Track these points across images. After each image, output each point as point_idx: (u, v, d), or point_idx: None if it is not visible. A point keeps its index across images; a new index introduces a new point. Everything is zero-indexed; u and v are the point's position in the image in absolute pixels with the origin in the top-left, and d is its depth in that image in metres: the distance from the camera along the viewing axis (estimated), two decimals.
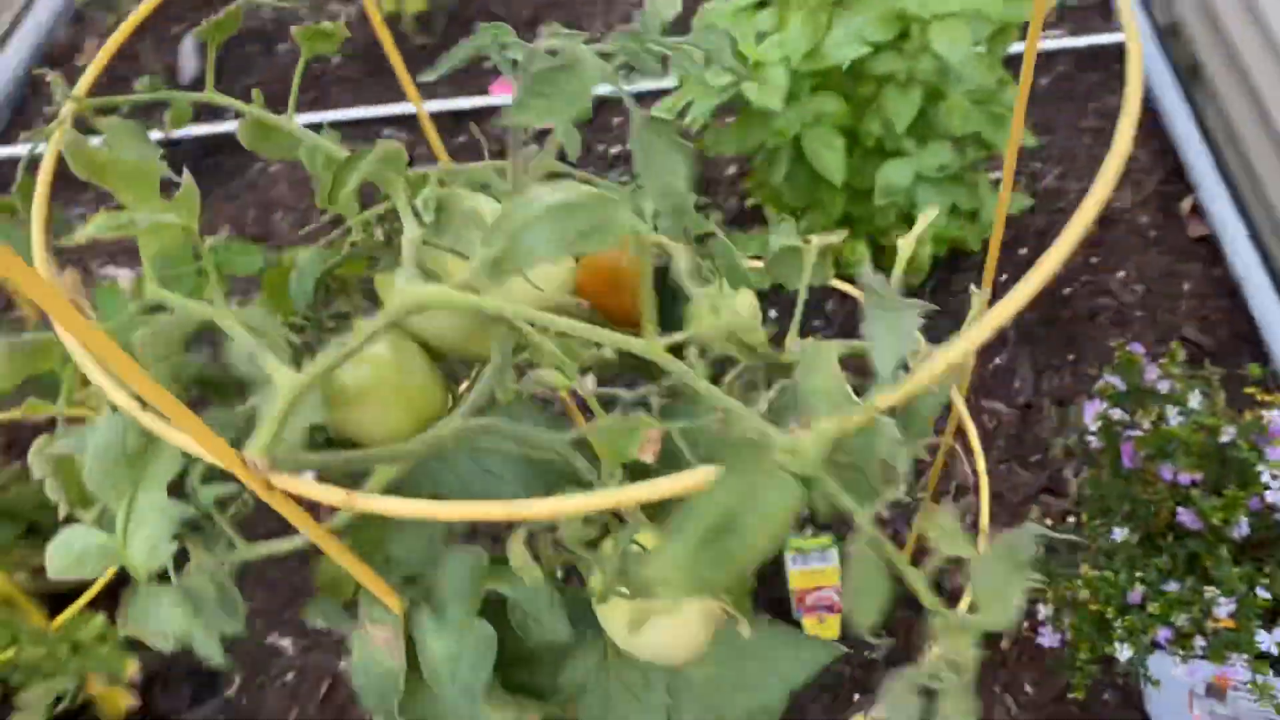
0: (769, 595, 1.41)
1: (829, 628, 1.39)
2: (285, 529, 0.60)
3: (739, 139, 1.47)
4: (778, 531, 0.43)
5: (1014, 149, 0.87)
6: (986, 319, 0.51)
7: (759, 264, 1.01)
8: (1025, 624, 1.33)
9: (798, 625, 1.39)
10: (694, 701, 0.80)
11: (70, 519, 0.73)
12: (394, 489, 0.73)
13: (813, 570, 1.40)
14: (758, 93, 1.32)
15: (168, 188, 0.66)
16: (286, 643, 1.51)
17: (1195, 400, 1.08)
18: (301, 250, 0.74)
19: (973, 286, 0.86)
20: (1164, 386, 1.11)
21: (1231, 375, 1.55)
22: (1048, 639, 1.09)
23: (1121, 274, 1.72)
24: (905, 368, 0.54)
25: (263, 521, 0.68)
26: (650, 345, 0.52)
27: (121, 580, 1.52)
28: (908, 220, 1.58)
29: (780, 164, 1.46)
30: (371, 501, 0.55)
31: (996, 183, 1.81)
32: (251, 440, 0.55)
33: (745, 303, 0.90)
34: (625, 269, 0.96)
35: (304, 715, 1.44)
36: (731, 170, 1.93)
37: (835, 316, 1.73)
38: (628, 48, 0.62)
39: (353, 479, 0.69)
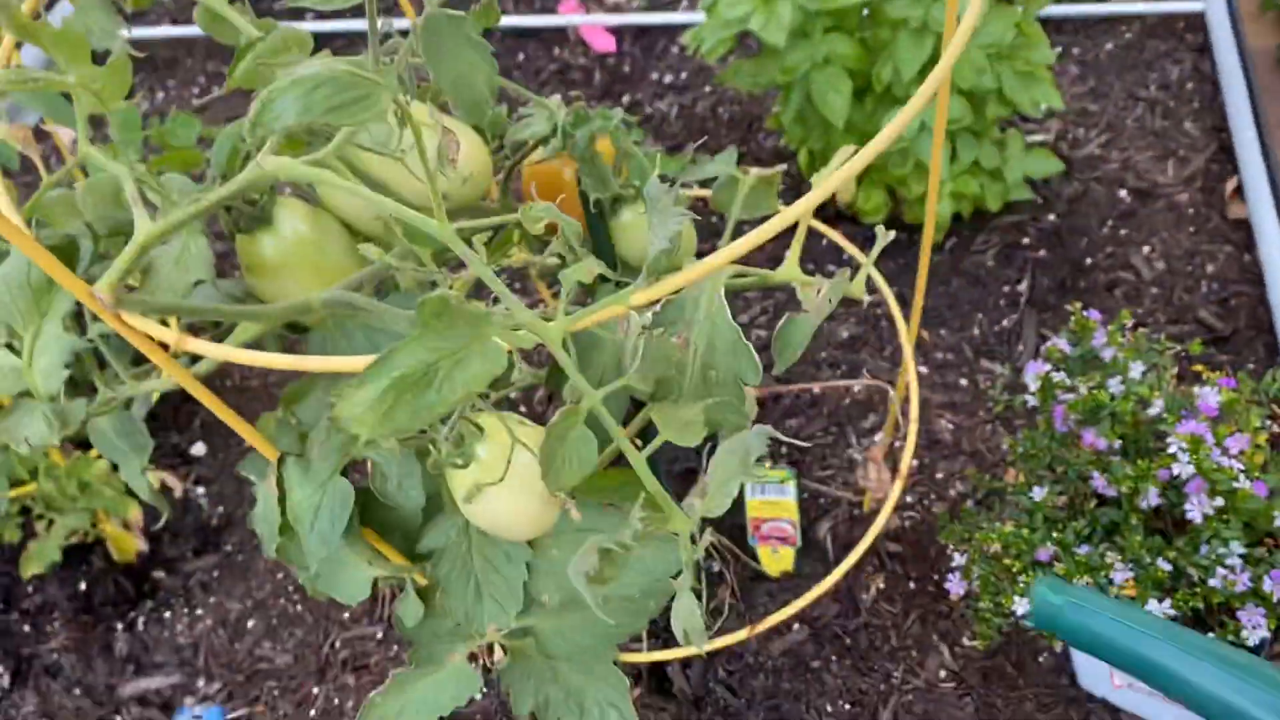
0: (728, 521, 1.46)
1: (782, 559, 1.43)
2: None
3: (752, 75, 1.49)
4: (473, 392, 0.48)
5: (936, 158, 0.88)
6: (734, 246, 0.55)
7: (705, 191, 1.04)
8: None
9: (752, 553, 1.43)
10: (554, 582, 0.85)
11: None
12: (313, 349, 0.80)
13: (770, 501, 1.44)
14: (763, 27, 1.34)
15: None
16: None
17: (1136, 371, 1.08)
18: (222, 128, 0.81)
19: (880, 228, 0.88)
20: (1108, 354, 1.10)
21: (1233, 363, 1.52)
22: (954, 587, 1.11)
23: (1147, 249, 1.69)
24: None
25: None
26: (441, 227, 0.56)
27: None
28: (922, 170, 1.57)
29: (791, 103, 1.48)
30: (196, 344, 0.62)
31: (1038, 145, 1.78)
32: (102, 278, 0.62)
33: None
34: (565, 180, 1.00)
35: (288, 578, 1.55)
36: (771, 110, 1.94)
37: (851, 261, 1.74)
38: None
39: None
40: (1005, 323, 1.66)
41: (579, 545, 0.86)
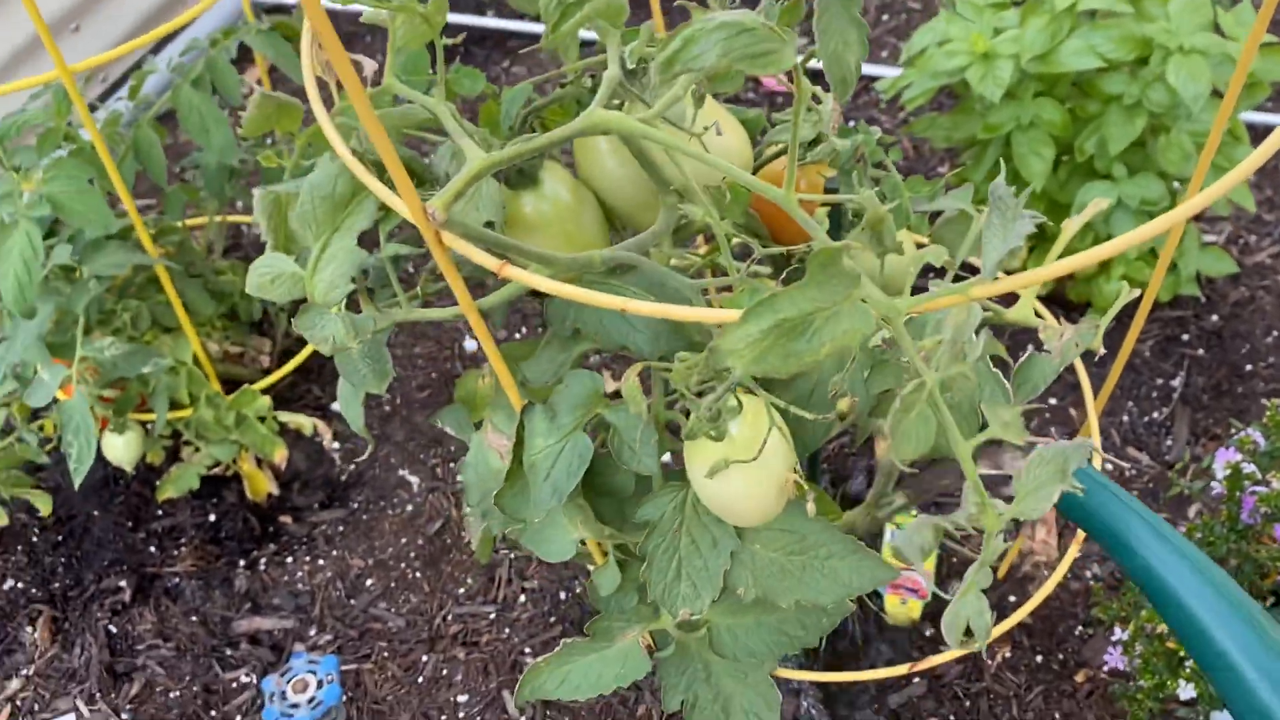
0: None
1: (910, 609, 1.41)
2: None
3: (950, 127, 1.50)
4: (842, 349, 0.49)
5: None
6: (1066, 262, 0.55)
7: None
8: (1104, 668, 1.32)
9: (880, 598, 1.42)
10: (752, 576, 0.86)
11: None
12: (556, 309, 0.82)
13: None
14: (979, 80, 1.35)
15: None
16: (415, 480, 1.65)
17: None
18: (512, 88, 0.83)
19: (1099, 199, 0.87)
20: None
21: None
22: (1114, 660, 1.09)
23: None
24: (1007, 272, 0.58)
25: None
26: (788, 196, 0.58)
27: (289, 386, 1.69)
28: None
29: (985, 161, 1.48)
30: (519, 272, 0.64)
31: (1211, 244, 1.76)
32: (435, 197, 0.64)
33: (908, 246, 0.94)
34: (808, 186, 1.01)
35: (411, 543, 1.57)
36: (942, 169, 1.95)
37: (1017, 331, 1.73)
38: None
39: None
40: (1155, 414, 1.63)
41: (782, 545, 0.87)
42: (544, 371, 0.87)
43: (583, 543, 0.86)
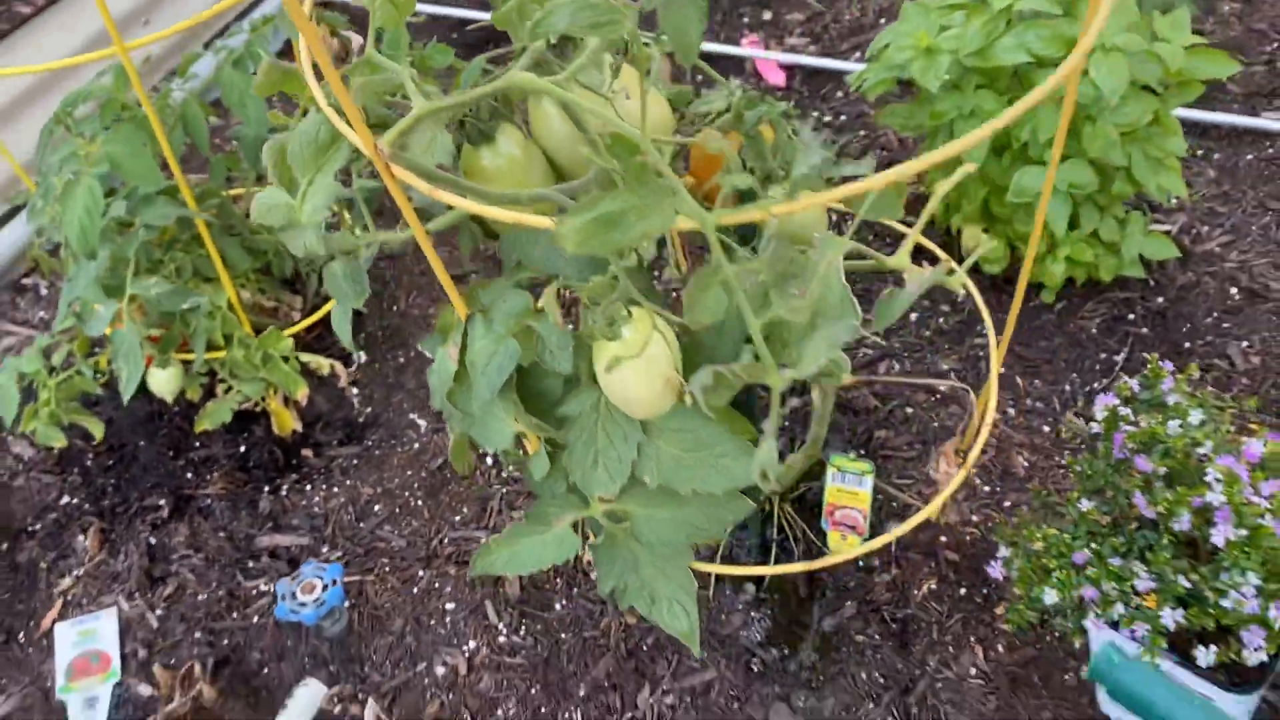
0: (808, 501, 1.62)
1: (849, 544, 1.58)
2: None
3: (905, 117, 1.66)
4: (644, 237, 0.67)
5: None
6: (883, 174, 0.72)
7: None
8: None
9: (823, 534, 1.58)
10: (657, 467, 1.04)
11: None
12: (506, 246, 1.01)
13: (848, 490, 1.59)
14: (921, 72, 1.51)
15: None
16: (423, 423, 1.85)
17: (1195, 418, 1.21)
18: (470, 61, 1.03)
19: (981, 235, 1.05)
20: (1172, 399, 1.24)
21: None
22: (995, 571, 1.25)
23: (1245, 344, 1.79)
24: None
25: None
26: (645, 139, 0.76)
27: (316, 339, 1.89)
28: (1049, 233, 1.72)
29: (934, 145, 1.65)
30: (445, 195, 0.82)
31: (1162, 233, 1.90)
32: (384, 135, 0.83)
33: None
34: (724, 156, 1.19)
35: (415, 476, 1.77)
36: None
37: (964, 304, 1.89)
38: None
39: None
40: (1096, 385, 1.78)
41: (681, 443, 1.04)
42: (494, 294, 1.06)
43: (519, 437, 1.04)
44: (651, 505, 1.11)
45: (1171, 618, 1.11)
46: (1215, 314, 1.84)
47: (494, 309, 0.99)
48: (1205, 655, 1.12)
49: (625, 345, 0.91)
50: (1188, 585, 1.12)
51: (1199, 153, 2.10)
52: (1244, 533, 1.09)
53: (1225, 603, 1.10)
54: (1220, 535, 1.09)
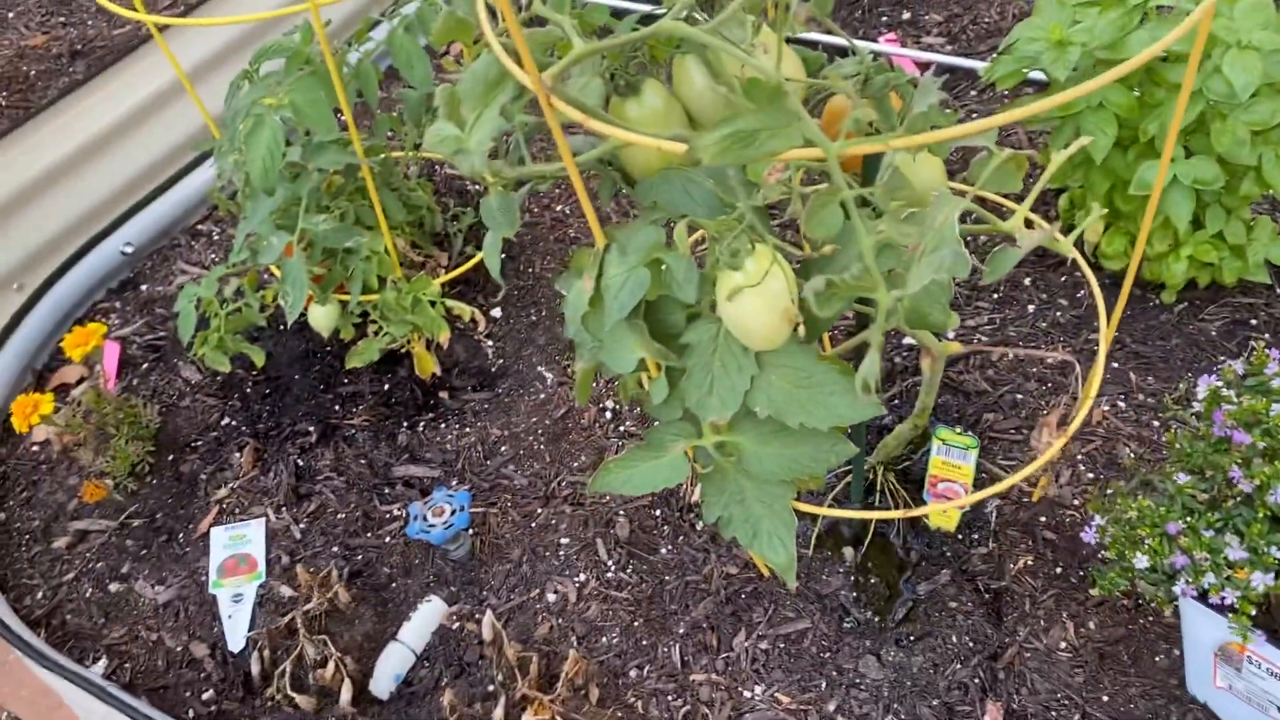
0: (911, 474, 1.68)
1: (948, 518, 1.63)
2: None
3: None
4: (772, 155, 0.76)
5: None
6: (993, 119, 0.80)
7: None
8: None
9: (924, 504, 1.64)
10: (767, 399, 1.12)
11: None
12: (642, 191, 1.12)
13: (952, 463, 1.64)
14: (1051, 64, 1.56)
15: None
16: (549, 376, 1.97)
17: None
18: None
19: (1094, 205, 1.10)
20: (1277, 383, 1.26)
21: None
22: (1089, 536, 1.30)
23: None
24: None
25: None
26: (777, 73, 0.85)
27: (458, 294, 2.04)
28: (1173, 231, 1.74)
29: (1062, 136, 1.69)
30: (598, 125, 0.93)
31: None
32: (546, 71, 0.94)
33: (933, 165, 1.18)
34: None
35: (539, 423, 1.89)
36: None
37: (1082, 299, 1.92)
38: None
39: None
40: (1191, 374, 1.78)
41: (793, 378, 1.13)
42: (632, 229, 1.17)
43: (642, 363, 1.14)
44: (760, 440, 1.19)
45: (1262, 580, 1.14)
46: None
47: (629, 241, 1.09)
48: None
49: (747, 275, 1.00)
50: (1279, 555, 1.15)
51: None
52: None
53: None
54: None
